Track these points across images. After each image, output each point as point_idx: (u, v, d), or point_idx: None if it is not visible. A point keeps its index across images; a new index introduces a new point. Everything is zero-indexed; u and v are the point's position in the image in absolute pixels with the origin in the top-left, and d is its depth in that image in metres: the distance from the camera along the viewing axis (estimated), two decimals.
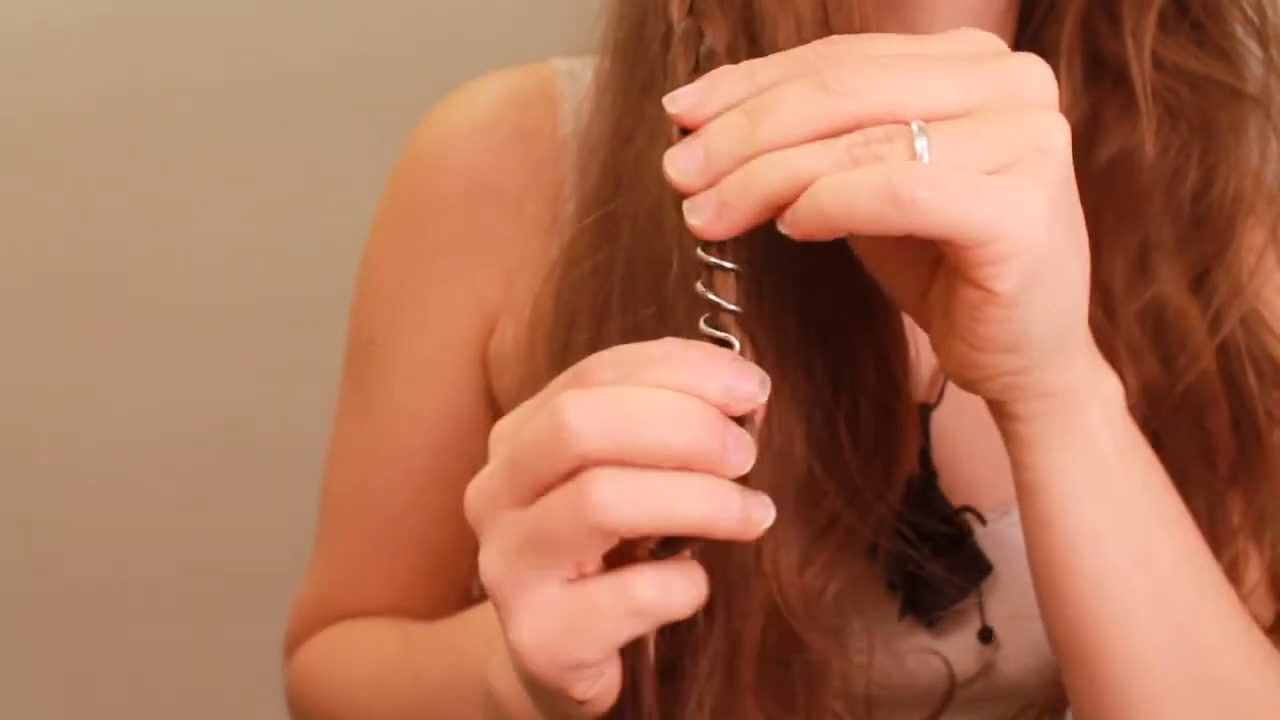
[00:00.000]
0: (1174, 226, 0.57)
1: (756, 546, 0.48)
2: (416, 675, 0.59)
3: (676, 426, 0.38)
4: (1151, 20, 0.55)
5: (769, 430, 0.49)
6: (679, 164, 0.39)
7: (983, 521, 0.57)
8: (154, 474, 1.21)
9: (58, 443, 1.22)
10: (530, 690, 0.44)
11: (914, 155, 0.38)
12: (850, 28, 0.46)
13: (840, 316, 0.49)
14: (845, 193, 0.38)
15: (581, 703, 0.41)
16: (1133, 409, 0.55)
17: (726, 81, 0.40)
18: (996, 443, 0.55)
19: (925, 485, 0.56)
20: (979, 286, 0.40)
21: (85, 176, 1.18)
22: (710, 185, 0.39)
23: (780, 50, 0.43)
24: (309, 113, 1.13)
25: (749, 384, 0.39)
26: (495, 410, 0.64)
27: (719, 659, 0.49)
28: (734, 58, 0.42)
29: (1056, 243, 0.40)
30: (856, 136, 0.38)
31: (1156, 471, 0.48)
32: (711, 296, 0.40)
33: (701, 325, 0.40)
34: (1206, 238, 0.57)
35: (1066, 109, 0.58)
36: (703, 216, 0.39)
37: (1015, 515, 0.57)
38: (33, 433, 1.23)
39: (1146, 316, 0.57)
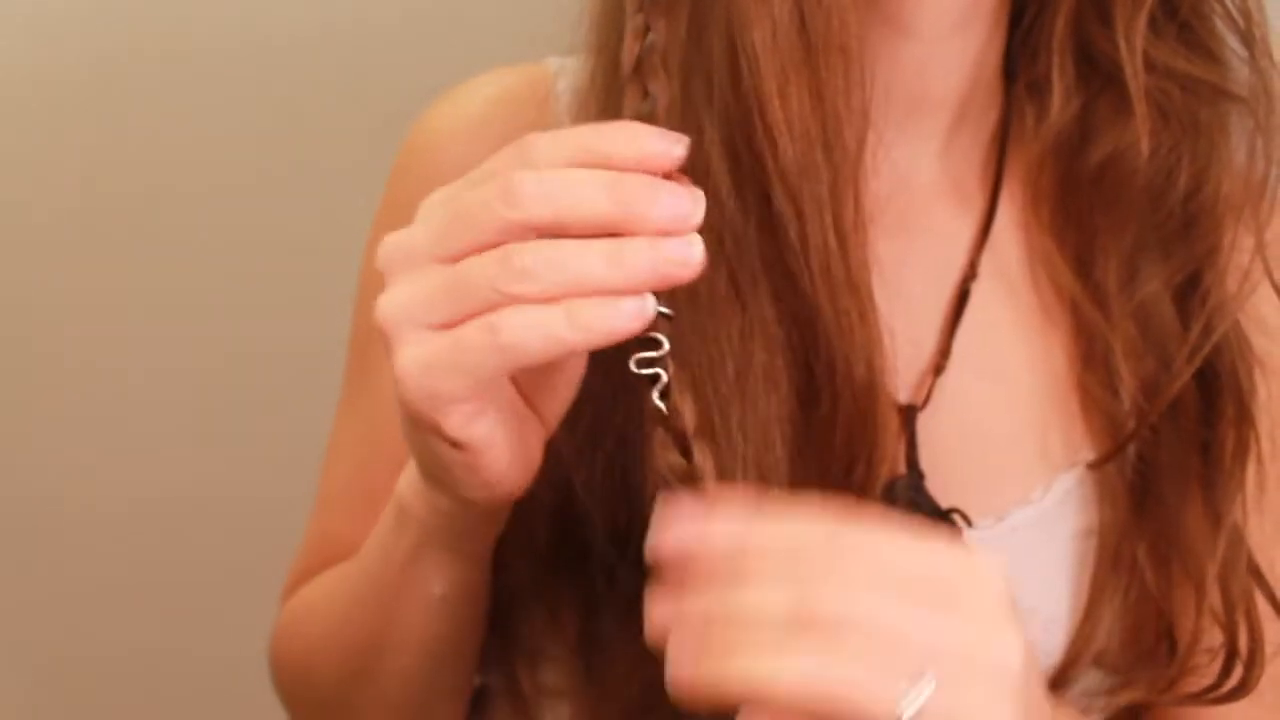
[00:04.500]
0: (1165, 227, 0.58)
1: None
2: (359, 555, 0.60)
3: (609, 189, 0.41)
4: (1143, 21, 0.56)
5: (743, 439, 0.50)
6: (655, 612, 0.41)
7: (969, 524, 0.57)
8: (155, 473, 1.22)
9: (55, 443, 1.23)
10: (410, 436, 0.47)
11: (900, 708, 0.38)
12: (828, 29, 0.47)
13: (811, 320, 0.50)
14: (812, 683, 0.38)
15: (455, 445, 0.44)
16: (1132, 407, 0.57)
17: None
18: (987, 448, 0.55)
19: (913, 486, 0.56)
20: None
21: (83, 174, 1.18)
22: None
23: (757, 54, 0.45)
24: (309, 112, 1.13)
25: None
26: None
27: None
28: (676, 112, 0.45)
29: None
30: (863, 645, 0.38)
31: None
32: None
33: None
34: (1196, 238, 0.57)
35: (1058, 110, 0.59)
36: (673, 668, 0.40)
37: (1009, 522, 0.58)
38: (29, 433, 1.23)
39: (1140, 317, 0.57)
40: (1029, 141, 0.60)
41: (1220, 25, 0.57)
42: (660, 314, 0.42)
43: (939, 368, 0.58)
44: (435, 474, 0.49)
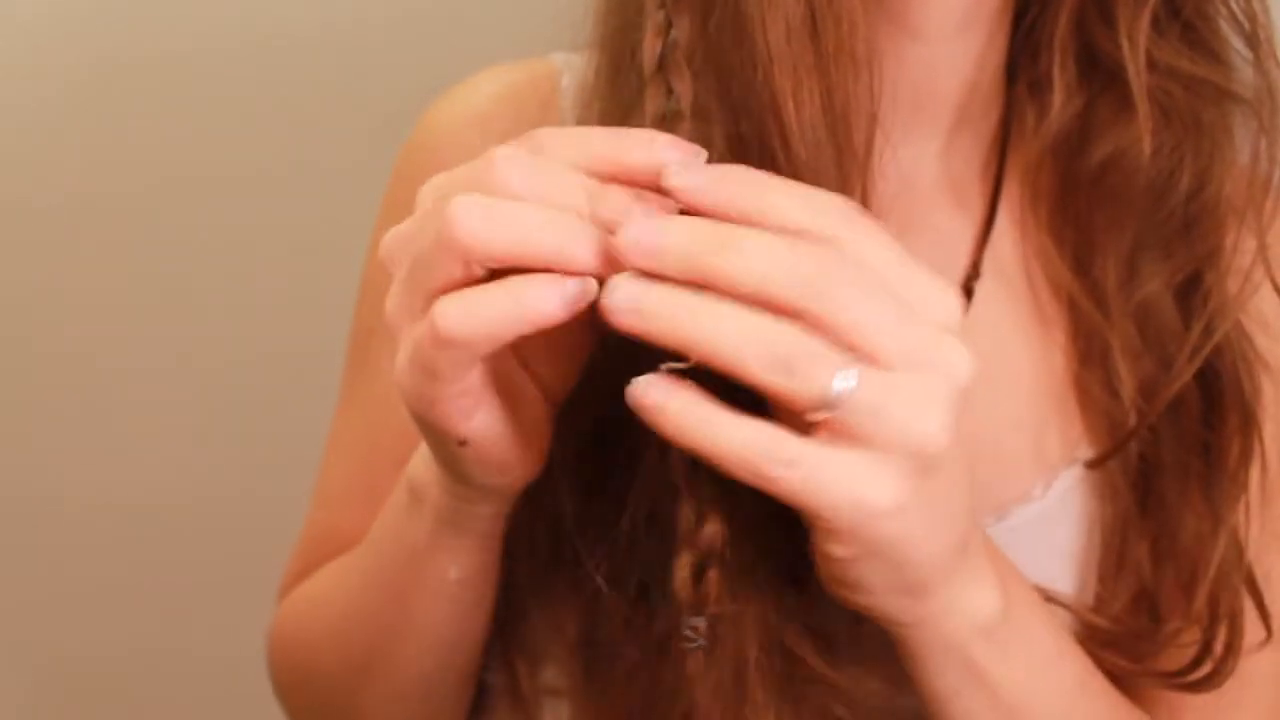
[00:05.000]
0: (1166, 227, 0.58)
1: (747, 571, 0.48)
2: (367, 544, 0.59)
3: (570, 238, 0.40)
4: (1146, 20, 0.56)
5: None
6: (632, 232, 0.40)
7: None
8: (155, 473, 1.22)
9: (55, 443, 1.23)
10: (425, 438, 0.47)
11: (828, 389, 0.39)
12: (838, 33, 0.46)
13: None
14: (712, 436, 0.40)
15: (461, 443, 0.45)
16: (1131, 406, 0.57)
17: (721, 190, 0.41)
18: (987, 445, 0.55)
19: None
20: (818, 542, 0.43)
21: (83, 174, 1.18)
22: (648, 264, 0.40)
23: (771, 56, 0.45)
24: (309, 112, 1.13)
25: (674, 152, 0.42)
26: None
27: (720, 689, 0.49)
28: (699, 115, 0.45)
29: (898, 529, 0.42)
30: (790, 336, 0.39)
31: (1039, 660, 0.51)
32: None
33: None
34: (1198, 239, 0.57)
35: (1059, 108, 0.59)
36: (614, 302, 0.40)
37: (1010, 521, 0.58)
38: (29, 433, 1.23)
39: (1140, 316, 0.57)
40: (1029, 141, 0.60)
41: (1224, 26, 0.57)
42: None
43: None
44: (450, 468, 0.49)
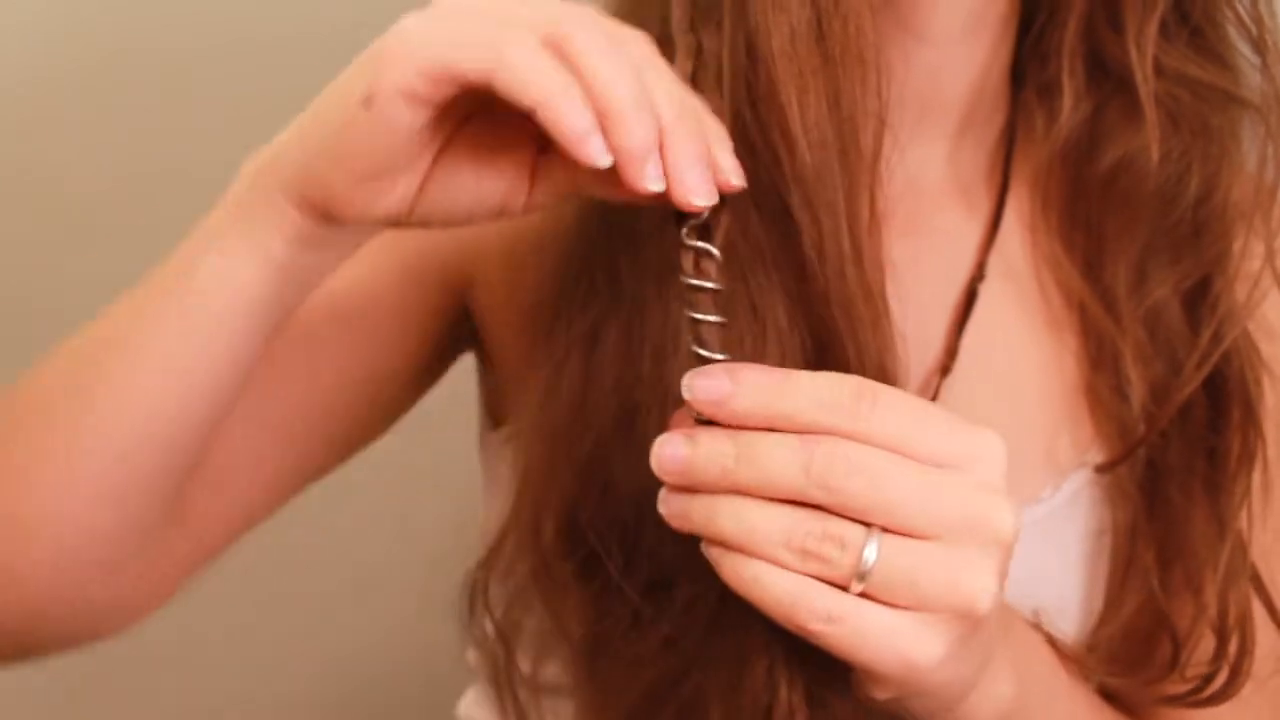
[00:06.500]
0: (1175, 232, 0.58)
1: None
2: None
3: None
4: (1154, 27, 0.56)
5: None
6: (665, 452, 0.43)
7: None
8: None
9: None
10: (330, 95, 0.49)
11: (858, 565, 0.41)
12: (845, 36, 0.46)
13: (824, 325, 0.49)
14: (760, 590, 0.42)
15: (368, 100, 0.47)
16: (1141, 411, 0.57)
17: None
18: None
19: None
20: (859, 681, 0.45)
21: (84, 174, 1.18)
22: (682, 483, 0.43)
23: (775, 59, 0.45)
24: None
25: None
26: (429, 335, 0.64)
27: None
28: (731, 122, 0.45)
29: (939, 679, 0.43)
30: (815, 529, 0.41)
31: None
32: (693, 315, 0.44)
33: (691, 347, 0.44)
34: (1206, 244, 0.58)
35: (1068, 114, 0.59)
36: (667, 511, 0.44)
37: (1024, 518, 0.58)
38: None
39: (1149, 321, 0.58)
40: (1037, 145, 0.60)
41: (1232, 32, 0.57)
42: (712, 324, 0.44)
43: (945, 368, 0.59)
44: (326, 141, 0.49)
